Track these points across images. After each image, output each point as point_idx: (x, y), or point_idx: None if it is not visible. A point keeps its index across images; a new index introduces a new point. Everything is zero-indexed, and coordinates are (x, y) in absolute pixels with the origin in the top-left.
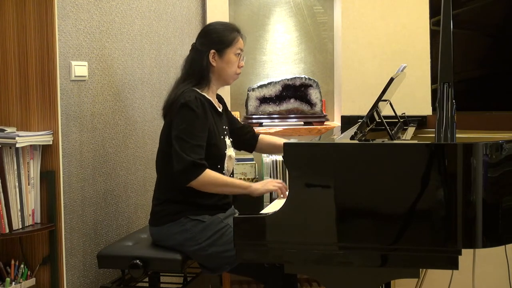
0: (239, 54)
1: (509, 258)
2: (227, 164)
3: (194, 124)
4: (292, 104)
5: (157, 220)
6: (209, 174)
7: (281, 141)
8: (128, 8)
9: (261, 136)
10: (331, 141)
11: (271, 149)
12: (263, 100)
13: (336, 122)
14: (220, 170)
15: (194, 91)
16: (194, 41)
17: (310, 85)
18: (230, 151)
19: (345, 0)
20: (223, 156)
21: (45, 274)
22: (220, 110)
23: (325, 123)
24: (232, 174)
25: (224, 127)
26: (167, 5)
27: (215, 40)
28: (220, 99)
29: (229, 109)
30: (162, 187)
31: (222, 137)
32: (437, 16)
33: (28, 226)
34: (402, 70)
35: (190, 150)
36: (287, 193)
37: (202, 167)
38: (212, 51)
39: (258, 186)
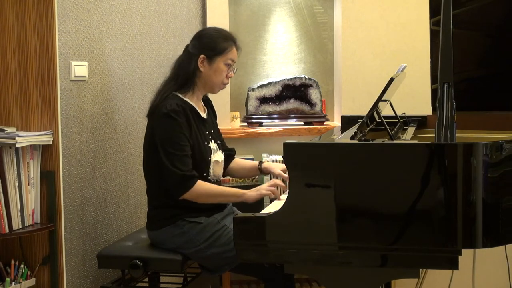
0: (229, 64)
1: (509, 258)
2: (213, 170)
3: (179, 134)
4: (292, 104)
5: (154, 224)
6: (201, 185)
7: (252, 162)
8: (128, 8)
9: (235, 159)
10: (331, 141)
11: (241, 171)
12: (263, 100)
13: (336, 122)
14: (206, 177)
15: (176, 97)
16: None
17: (310, 85)
18: (216, 156)
19: (345, 0)
20: (207, 162)
21: (45, 274)
22: (204, 115)
23: (325, 123)
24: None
25: (208, 132)
26: (167, 5)
27: (207, 45)
28: (206, 102)
29: (229, 109)
30: (154, 193)
31: (206, 143)
32: (437, 16)
33: (28, 226)
34: (402, 70)
35: (178, 162)
36: (283, 193)
37: (192, 178)
38: (202, 56)
39: (252, 193)
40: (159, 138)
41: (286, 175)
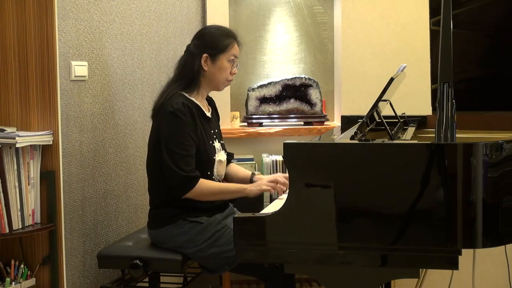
0: (232, 60)
1: (509, 258)
2: (217, 169)
3: (183, 134)
4: (292, 104)
5: (155, 223)
6: (203, 184)
7: (246, 172)
8: (128, 8)
9: (232, 164)
10: (331, 141)
11: (235, 178)
12: (263, 100)
13: (336, 122)
14: (210, 176)
15: (182, 96)
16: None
17: (310, 85)
18: (220, 156)
19: (345, 0)
20: (212, 161)
21: (45, 274)
22: (209, 114)
23: (325, 123)
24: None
25: (213, 131)
26: (167, 5)
27: (209, 44)
28: (210, 101)
29: (229, 109)
30: (156, 192)
31: (210, 142)
32: (437, 16)
33: (28, 226)
34: (402, 70)
35: (181, 162)
36: (284, 188)
37: (195, 179)
38: (205, 55)
39: (253, 188)
40: (164, 137)
41: (280, 187)
